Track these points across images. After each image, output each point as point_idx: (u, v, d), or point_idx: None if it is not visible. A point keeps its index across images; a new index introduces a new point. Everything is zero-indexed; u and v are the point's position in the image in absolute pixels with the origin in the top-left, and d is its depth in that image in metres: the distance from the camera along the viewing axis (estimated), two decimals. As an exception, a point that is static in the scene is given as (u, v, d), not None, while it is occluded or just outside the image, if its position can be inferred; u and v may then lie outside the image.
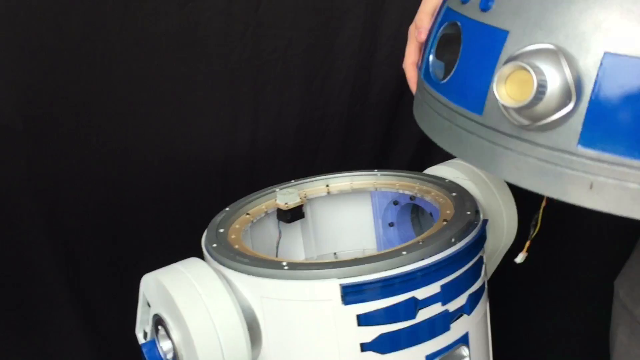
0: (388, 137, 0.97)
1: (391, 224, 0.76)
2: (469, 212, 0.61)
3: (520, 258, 0.58)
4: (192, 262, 0.59)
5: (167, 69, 0.81)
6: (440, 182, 0.70)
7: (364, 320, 0.53)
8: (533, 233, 0.56)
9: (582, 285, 1.02)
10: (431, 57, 0.51)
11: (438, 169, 0.75)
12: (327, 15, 0.87)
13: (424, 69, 0.52)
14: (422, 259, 0.54)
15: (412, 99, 0.58)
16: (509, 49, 0.39)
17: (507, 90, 0.38)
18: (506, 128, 0.39)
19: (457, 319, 0.56)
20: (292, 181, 0.77)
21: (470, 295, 0.58)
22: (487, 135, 0.41)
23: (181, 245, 0.64)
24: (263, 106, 0.88)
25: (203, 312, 0.54)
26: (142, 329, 0.62)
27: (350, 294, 0.52)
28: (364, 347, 0.54)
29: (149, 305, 0.60)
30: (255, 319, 0.56)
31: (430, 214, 0.72)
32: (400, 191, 0.72)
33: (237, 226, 0.67)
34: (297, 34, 0.86)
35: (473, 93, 0.42)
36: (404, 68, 0.64)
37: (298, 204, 0.72)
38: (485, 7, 0.42)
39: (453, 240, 0.56)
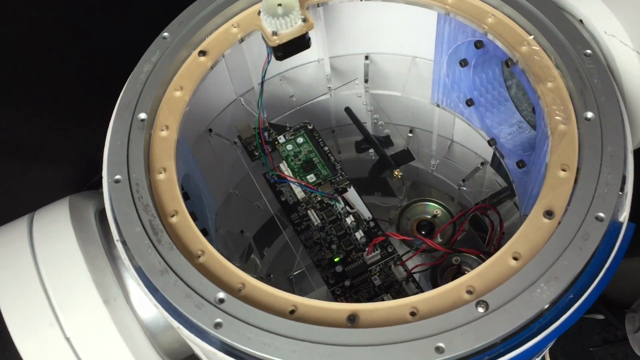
0: None
1: (464, 63, 0.43)
2: (607, 190, 0.30)
3: None
4: (58, 226, 0.34)
5: None
6: (572, 47, 0.35)
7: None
8: None
9: None
10: None
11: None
12: None
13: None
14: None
15: None
16: None
17: None
18: None
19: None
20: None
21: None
22: None
23: None
24: None
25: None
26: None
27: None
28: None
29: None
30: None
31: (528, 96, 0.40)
32: (491, 37, 0.38)
33: (178, 93, 0.37)
34: None
35: None
36: None
37: (299, 34, 0.39)
38: None
39: (547, 306, 0.29)
